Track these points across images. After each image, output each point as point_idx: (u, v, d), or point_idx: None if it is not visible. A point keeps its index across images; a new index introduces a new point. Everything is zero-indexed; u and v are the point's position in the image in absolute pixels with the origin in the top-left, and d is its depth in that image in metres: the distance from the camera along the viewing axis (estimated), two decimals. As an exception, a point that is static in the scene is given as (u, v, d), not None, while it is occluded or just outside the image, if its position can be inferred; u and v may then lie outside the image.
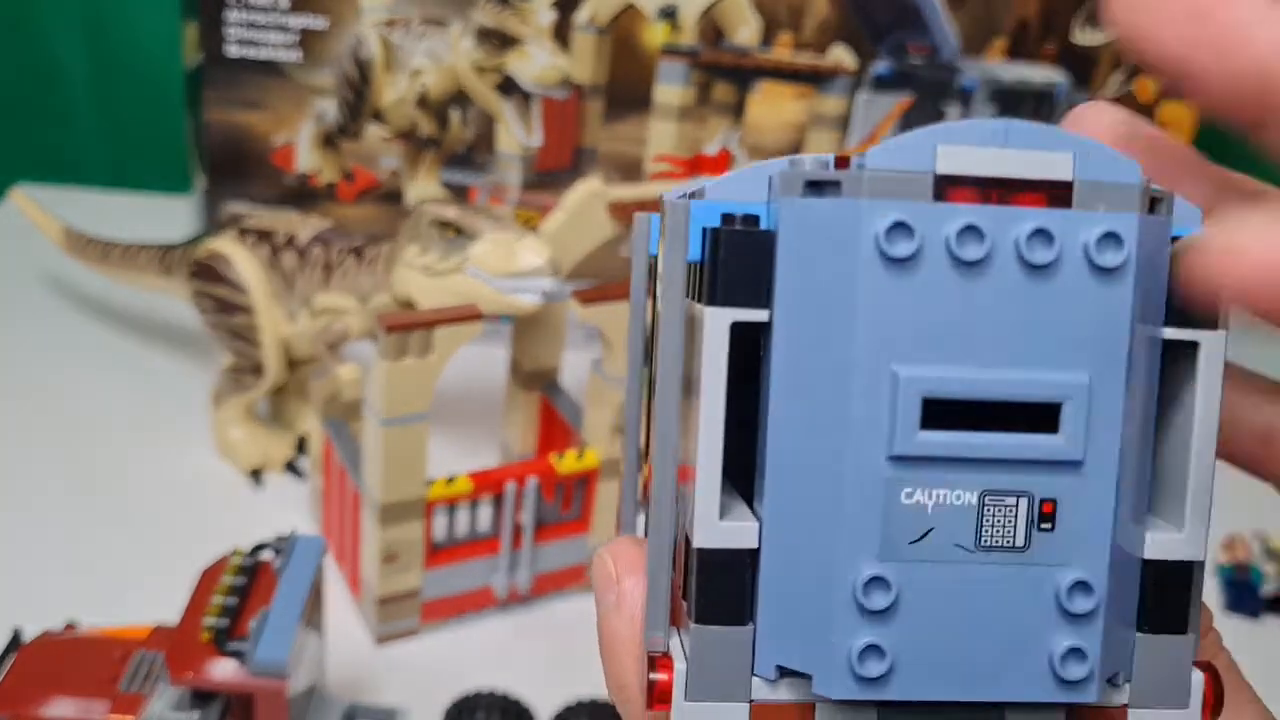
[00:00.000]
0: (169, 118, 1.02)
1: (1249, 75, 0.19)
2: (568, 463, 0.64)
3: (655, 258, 0.25)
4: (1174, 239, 0.21)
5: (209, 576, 0.46)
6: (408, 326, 0.57)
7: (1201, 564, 0.21)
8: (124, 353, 0.86)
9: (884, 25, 0.85)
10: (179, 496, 0.72)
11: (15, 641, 0.49)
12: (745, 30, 0.84)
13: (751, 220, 0.21)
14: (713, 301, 0.20)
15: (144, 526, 0.69)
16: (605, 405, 0.64)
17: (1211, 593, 0.74)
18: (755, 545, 0.21)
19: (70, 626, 0.51)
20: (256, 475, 0.74)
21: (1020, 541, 0.20)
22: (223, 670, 0.43)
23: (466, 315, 0.58)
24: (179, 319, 0.83)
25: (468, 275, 0.61)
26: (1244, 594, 0.72)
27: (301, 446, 0.76)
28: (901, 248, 0.19)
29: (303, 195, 0.86)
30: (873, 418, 0.20)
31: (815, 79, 0.86)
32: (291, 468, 0.75)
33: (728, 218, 0.21)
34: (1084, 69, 0.88)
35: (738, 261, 0.20)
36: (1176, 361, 0.21)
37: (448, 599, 0.64)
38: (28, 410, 0.79)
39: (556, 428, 0.72)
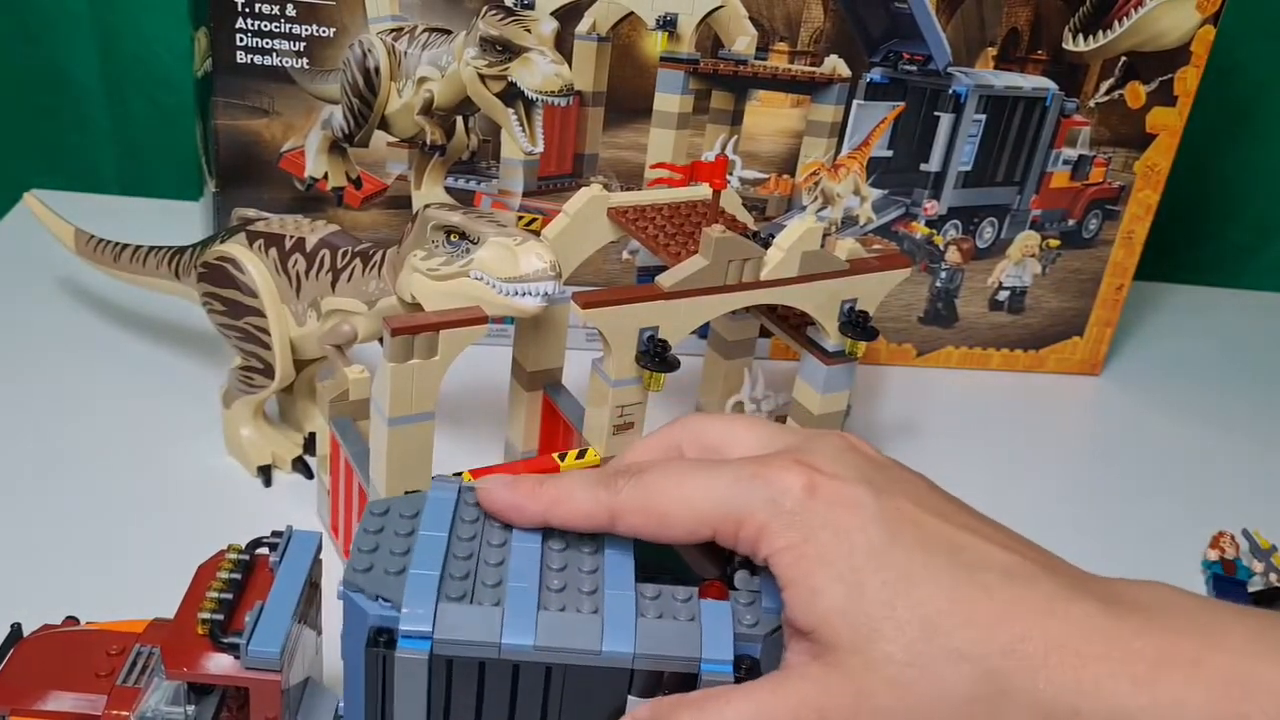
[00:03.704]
0: (180, 124, 1.00)
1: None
2: (570, 460, 0.62)
3: None
4: None
5: (205, 571, 0.44)
6: (413, 329, 0.55)
7: None
8: (134, 353, 0.84)
9: (879, 35, 0.83)
10: (188, 494, 0.70)
11: (15, 635, 0.47)
12: (743, 40, 0.82)
13: None
14: None
15: (154, 523, 0.67)
16: (606, 404, 0.62)
17: (1199, 589, 0.72)
18: None
19: (71, 620, 0.49)
20: (265, 473, 0.72)
21: None
22: (217, 664, 0.41)
23: (471, 318, 0.57)
24: (188, 320, 0.81)
25: (472, 279, 0.59)
26: (1231, 590, 0.71)
27: (309, 445, 0.74)
28: None
29: (311, 200, 0.84)
30: None
31: (811, 87, 0.84)
32: (300, 465, 0.73)
33: None
34: (1074, 77, 0.86)
35: None
36: None
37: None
38: (38, 408, 0.77)
39: (559, 426, 0.70)
